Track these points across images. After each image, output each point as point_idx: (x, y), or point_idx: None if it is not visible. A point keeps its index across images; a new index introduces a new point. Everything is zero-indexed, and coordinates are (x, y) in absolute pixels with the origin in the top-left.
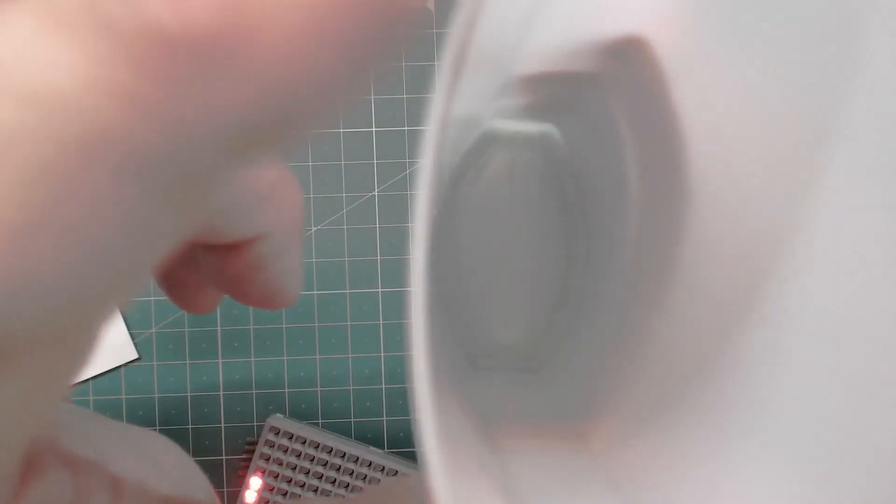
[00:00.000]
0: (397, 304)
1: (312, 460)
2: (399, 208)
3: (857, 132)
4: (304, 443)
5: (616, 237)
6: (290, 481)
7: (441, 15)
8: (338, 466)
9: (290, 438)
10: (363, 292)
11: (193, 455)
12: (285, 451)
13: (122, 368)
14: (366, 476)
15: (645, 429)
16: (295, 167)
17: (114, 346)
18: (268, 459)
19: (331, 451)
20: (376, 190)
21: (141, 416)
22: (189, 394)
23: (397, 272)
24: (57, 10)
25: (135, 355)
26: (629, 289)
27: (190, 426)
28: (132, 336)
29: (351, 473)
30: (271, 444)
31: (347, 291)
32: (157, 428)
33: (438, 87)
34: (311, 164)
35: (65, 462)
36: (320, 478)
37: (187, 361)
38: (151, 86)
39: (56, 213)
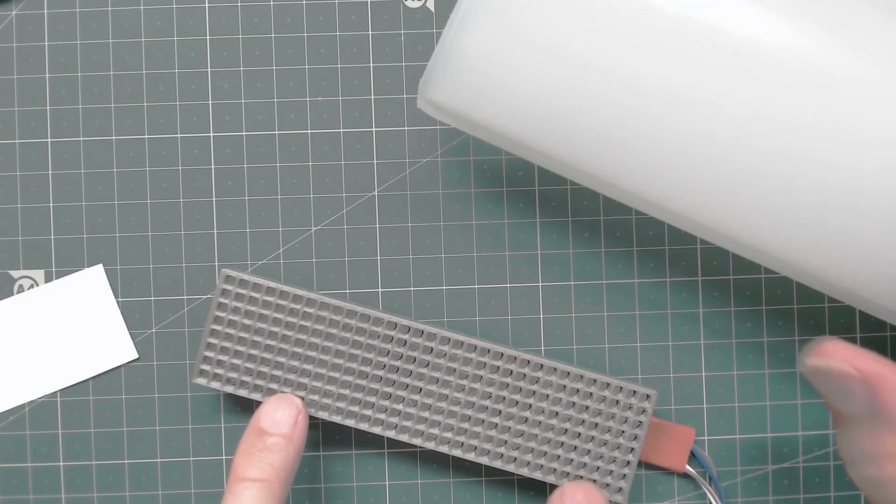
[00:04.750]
0: (397, 304)
1: (272, 308)
2: (399, 208)
3: None
4: (261, 291)
5: None
6: (249, 329)
7: (441, 15)
8: (298, 312)
9: (248, 287)
10: (363, 292)
11: (193, 455)
12: (243, 301)
13: (122, 368)
14: (327, 320)
15: None
16: (295, 167)
17: (114, 346)
18: (225, 310)
19: (290, 297)
20: (376, 190)
21: (141, 416)
22: (189, 394)
23: (397, 272)
24: None
25: (135, 355)
26: None
27: (190, 426)
28: (132, 336)
29: (311, 318)
30: (228, 294)
31: (347, 291)
32: (157, 428)
33: None
34: (311, 164)
35: None
36: (280, 324)
37: (187, 361)
38: None
39: None
